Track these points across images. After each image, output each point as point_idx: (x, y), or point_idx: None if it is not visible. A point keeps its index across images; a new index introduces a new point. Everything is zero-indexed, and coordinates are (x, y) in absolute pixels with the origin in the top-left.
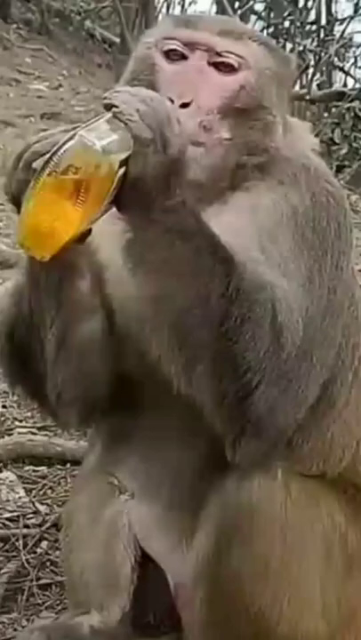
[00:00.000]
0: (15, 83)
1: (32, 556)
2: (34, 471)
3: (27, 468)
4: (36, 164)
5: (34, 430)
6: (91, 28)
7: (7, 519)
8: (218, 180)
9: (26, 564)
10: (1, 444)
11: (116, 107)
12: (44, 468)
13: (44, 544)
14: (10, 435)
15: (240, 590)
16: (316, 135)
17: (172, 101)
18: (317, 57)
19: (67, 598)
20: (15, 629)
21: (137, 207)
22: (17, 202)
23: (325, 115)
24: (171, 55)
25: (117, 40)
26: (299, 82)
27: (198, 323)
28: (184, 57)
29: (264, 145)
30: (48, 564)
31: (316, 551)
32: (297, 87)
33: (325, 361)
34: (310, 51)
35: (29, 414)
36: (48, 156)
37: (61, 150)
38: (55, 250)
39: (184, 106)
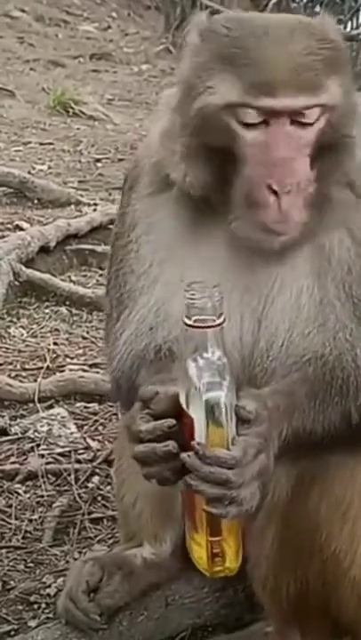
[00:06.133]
0: (64, 24)
1: (83, 490)
2: (85, 408)
3: (78, 404)
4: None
5: (85, 367)
6: None
7: (59, 454)
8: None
9: (77, 499)
10: (52, 380)
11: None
12: (95, 405)
13: (96, 479)
14: (61, 372)
15: (316, 530)
16: None
17: (274, 192)
18: None
19: (118, 532)
20: (67, 562)
21: None
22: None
23: None
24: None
25: None
26: (350, 23)
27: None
28: (264, 121)
29: (348, 168)
30: (99, 498)
31: None
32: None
33: None
34: None
35: (81, 352)
36: None
37: None
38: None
39: (288, 192)
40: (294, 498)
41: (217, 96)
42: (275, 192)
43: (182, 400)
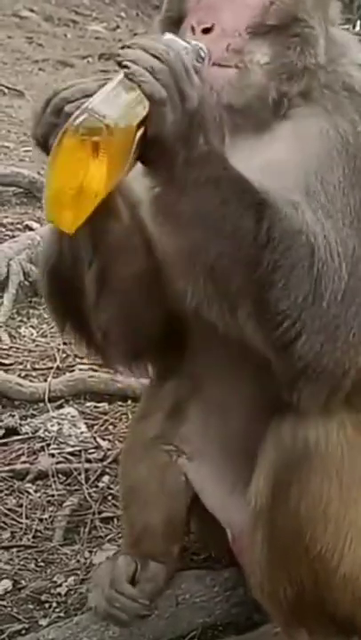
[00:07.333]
0: (73, 24)
1: (94, 489)
2: (95, 407)
3: (88, 404)
4: (68, 108)
5: (95, 367)
6: None
7: (69, 453)
8: (258, 109)
9: (88, 498)
10: (63, 380)
11: (128, 67)
12: (105, 404)
13: (106, 478)
14: (71, 371)
15: (299, 532)
16: None
17: (193, 30)
18: None
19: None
20: (78, 561)
21: (160, 164)
22: (44, 146)
23: None
24: None
25: None
26: (360, 22)
27: (232, 271)
28: None
29: (305, 64)
30: (110, 497)
31: None
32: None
33: None
34: None
35: None
36: (72, 119)
37: (78, 117)
38: (81, 219)
39: (206, 31)
40: (275, 501)
41: None
42: (193, 29)
43: None
